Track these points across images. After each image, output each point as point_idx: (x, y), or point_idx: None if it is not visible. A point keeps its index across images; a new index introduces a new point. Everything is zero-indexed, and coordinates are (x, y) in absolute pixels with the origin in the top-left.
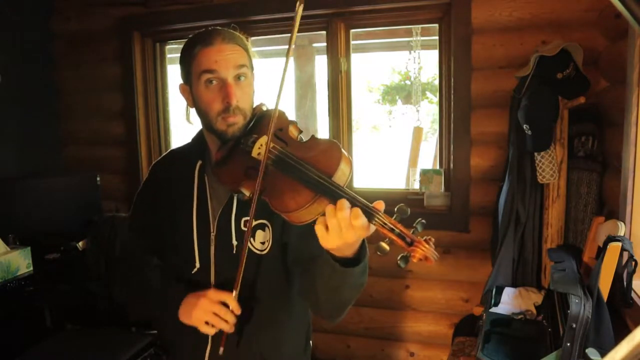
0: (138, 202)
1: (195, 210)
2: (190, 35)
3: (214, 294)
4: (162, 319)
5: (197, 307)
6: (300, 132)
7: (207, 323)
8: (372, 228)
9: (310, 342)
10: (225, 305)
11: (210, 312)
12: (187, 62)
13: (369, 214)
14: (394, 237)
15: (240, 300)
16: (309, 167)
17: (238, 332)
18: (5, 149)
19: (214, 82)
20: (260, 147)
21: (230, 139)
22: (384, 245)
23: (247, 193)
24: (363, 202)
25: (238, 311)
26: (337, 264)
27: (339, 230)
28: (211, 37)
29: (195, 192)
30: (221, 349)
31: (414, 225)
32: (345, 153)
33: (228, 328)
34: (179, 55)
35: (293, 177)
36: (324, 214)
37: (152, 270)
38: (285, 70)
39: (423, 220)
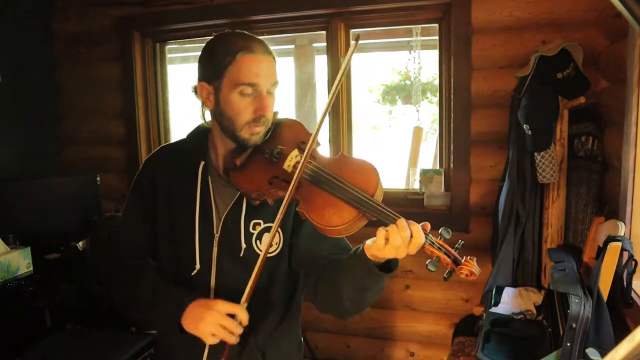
0: (132, 200)
1: (198, 211)
2: (212, 35)
3: (222, 306)
4: (160, 324)
5: (205, 321)
6: (318, 144)
7: (212, 335)
8: None
9: (302, 340)
10: (232, 316)
11: (218, 325)
12: (219, 63)
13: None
14: (442, 255)
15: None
16: (350, 186)
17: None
18: (5, 149)
19: (250, 91)
20: (291, 160)
21: (250, 146)
22: (433, 263)
23: (271, 201)
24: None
25: (246, 323)
26: (376, 268)
27: (398, 247)
28: (254, 44)
29: (199, 192)
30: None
31: (456, 246)
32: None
33: (234, 340)
34: (179, 55)
35: (333, 193)
36: (385, 227)
37: (148, 270)
38: (333, 95)
39: (462, 241)
